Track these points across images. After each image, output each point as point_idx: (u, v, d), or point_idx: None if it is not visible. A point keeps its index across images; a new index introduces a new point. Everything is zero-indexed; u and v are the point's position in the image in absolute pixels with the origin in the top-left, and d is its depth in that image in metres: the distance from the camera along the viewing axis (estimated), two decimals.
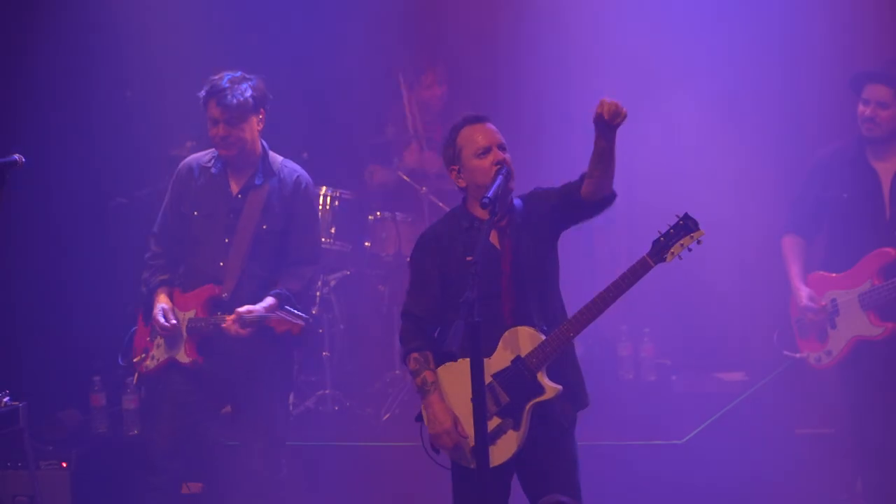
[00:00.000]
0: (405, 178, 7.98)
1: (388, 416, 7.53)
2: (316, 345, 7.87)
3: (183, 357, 5.92)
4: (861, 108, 6.03)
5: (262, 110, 5.92)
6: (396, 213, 8.04)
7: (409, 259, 5.07)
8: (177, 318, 5.91)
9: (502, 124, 4.97)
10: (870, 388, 6.02)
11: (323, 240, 7.94)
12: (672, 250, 4.65)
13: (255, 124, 5.90)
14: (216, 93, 5.83)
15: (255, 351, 5.88)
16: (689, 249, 4.66)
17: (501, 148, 4.82)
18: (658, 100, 7.85)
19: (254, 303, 5.84)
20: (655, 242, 4.68)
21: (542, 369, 4.74)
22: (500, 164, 4.76)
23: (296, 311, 5.83)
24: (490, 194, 4.59)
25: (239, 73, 5.88)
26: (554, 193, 4.84)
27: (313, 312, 7.70)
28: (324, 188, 8.00)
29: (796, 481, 6.57)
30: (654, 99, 7.83)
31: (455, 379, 4.78)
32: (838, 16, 7.57)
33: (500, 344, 4.78)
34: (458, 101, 8.25)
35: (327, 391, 7.76)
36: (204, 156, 6.05)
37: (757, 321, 7.43)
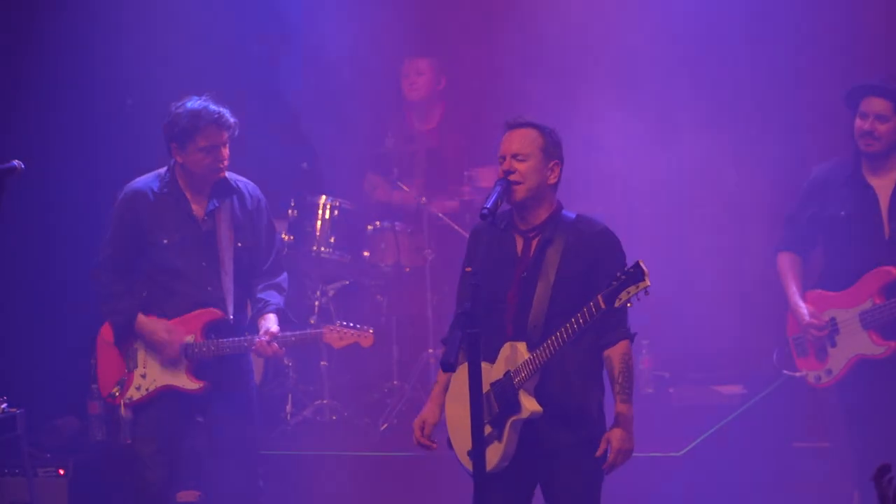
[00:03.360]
0: (405, 188, 7.97)
1: (385, 426, 7.52)
2: (314, 355, 7.87)
3: (188, 383, 5.76)
4: (859, 122, 5.91)
5: None
6: (395, 224, 8.03)
7: None
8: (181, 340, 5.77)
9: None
10: (871, 406, 5.92)
11: (322, 249, 7.97)
12: (620, 296, 4.45)
13: None
14: (215, 119, 5.67)
15: (229, 369, 5.84)
16: (638, 298, 4.44)
17: (515, 157, 4.70)
18: (655, 113, 7.85)
19: (250, 321, 5.85)
20: (607, 285, 4.48)
21: (524, 387, 4.64)
22: (506, 172, 4.68)
23: (353, 324, 5.94)
24: (488, 205, 4.54)
25: (202, 97, 5.72)
26: (605, 272, 4.56)
27: (311, 322, 7.70)
28: (323, 197, 7.99)
29: (794, 495, 6.57)
30: (651, 112, 7.84)
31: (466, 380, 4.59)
32: (835, 32, 7.58)
33: (500, 353, 4.70)
34: (459, 102, 8.29)
35: (325, 401, 7.75)
36: (151, 181, 5.82)
37: (755, 334, 7.44)
